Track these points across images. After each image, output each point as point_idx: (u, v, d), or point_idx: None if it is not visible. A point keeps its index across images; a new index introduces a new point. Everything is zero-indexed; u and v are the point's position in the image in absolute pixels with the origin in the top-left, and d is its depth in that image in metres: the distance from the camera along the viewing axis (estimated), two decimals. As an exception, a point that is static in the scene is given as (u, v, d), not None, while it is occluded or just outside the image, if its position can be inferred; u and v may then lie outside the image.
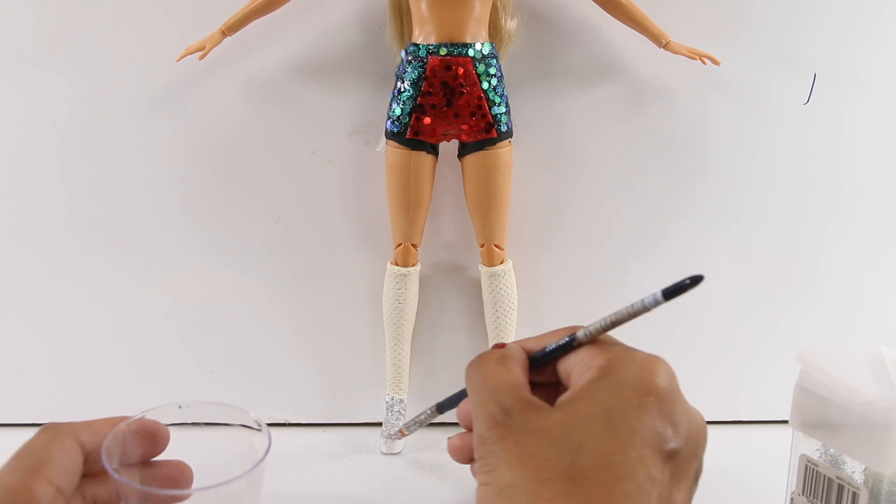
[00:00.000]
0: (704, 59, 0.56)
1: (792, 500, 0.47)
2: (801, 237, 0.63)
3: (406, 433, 0.45)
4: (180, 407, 0.36)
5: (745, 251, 0.63)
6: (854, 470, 0.43)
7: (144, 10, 0.57)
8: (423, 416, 0.43)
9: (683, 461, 0.29)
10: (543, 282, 0.63)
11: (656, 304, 0.32)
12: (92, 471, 0.33)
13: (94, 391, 0.64)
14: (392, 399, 0.63)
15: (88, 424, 0.34)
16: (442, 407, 0.41)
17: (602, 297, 0.64)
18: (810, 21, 0.59)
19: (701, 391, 0.66)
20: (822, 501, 0.45)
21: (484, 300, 0.61)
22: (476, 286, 0.62)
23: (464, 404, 0.36)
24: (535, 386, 0.33)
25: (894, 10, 0.59)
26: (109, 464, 0.32)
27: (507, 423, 0.30)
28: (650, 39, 0.56)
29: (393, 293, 0.60)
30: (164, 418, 0.35)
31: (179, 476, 0.35)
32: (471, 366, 0.34)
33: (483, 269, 0.60)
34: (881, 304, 0.65)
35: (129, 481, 0.32)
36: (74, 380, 0.64)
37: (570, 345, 0.34)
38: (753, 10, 0.58)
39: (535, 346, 0.35)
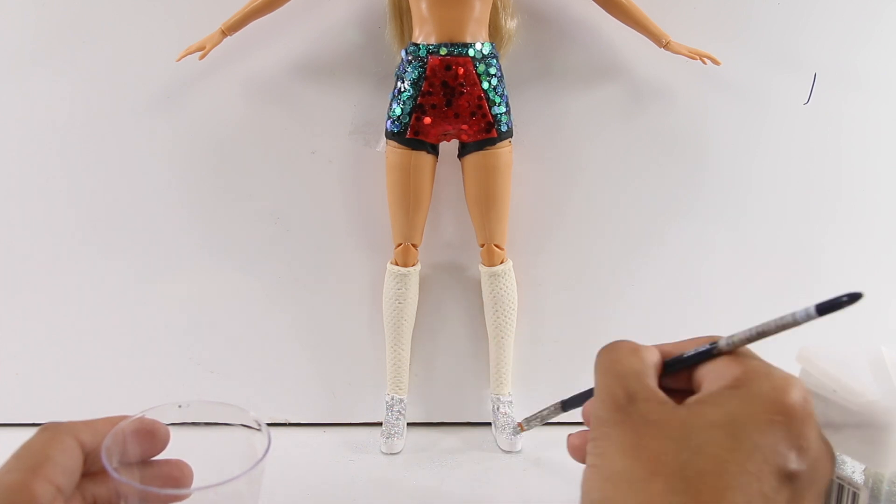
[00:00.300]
0: (704, 59, 0.56)
1: (792, 500, 0.47)
2: (801, 237, 0.63)
3: (526, 428, 0.44)
4: (180, 406, 0.36)
5: (745, 251, 0.63)
6: (854, 470, 0.43)
7: (144, 10, 0.57)
8: (545, 412, 0.41)
9: (802, 487, 0.28)
10: (543, 282, 0.63)
11: (808, 318, 0.32)
12: (92, 470, 0.33)
13: (94, 391, 0.64)
14: (392, 399, 0.63)
15: (88, 424, 0.34)
16: (567, 405, 0.39)
17: (602, 298, 0.64)
18: (810, 21, 0.59)
19: (701, 391, 0.66)
20: (821, 501, 0.45)
21: (484, 300, 0.61)
22: (476, 286, 0.62)
23: (589, 403, 0.35)
24: (666, 392, 0.32)
25: (894, 10, 0.59)
26: (109, 463, 0.32)
27: (628, 408, 0.30)
28: (650, 39, 0.56)
29: (393, 293, 0.60)
30: (163, 418, 0.35)
31: (179, 475, 0.35)
32: (603, 351, 0.34)
33: (483, 269, 0.60)
34: (881, 304, 0.65)
35: (128, 480, 0.32)
36: (74, 380, 0.64)
37: (710, 353, 0.33)
38: (753, 10, 0.58)
39: (673, 351, 0.35)
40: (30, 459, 0.31)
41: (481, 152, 0.57)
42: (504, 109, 0.56)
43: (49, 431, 0.32)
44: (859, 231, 0.63)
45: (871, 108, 0.61)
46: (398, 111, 0.55)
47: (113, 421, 0.34)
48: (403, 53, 0.56)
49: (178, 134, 0.60)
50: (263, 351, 0.64)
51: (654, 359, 0.33)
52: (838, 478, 0.43)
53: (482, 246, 0.60)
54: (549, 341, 0.65)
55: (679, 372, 0.34)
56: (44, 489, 0.30)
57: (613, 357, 0.33)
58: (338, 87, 0.59)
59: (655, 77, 0.59)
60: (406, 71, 0.55)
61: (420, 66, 0.54)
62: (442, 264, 0.63)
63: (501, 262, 0.60)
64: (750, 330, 0.33)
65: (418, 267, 0.60)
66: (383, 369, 0.63)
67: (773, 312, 0.67)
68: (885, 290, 0.65)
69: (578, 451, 0.35)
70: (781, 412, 0.28)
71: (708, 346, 0.33)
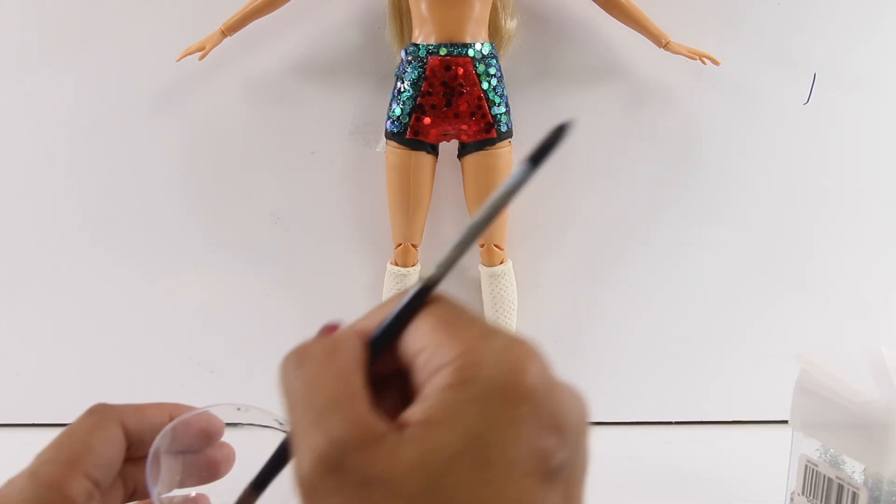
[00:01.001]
0: (704, 59, 0.56)
1: (792, 500, 0.47)
2: (801, 236, 0.63)
3: None
4: (238, 409, 0.36)
5: (746, 250, 0.63)
6: (854, 470, 0.43)
7: (144, 9, 0.57)
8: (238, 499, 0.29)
9: (573, 467, 0.23)
10: (543, 282, 0.63)
11: (527, 176, 0.25)
12: (135, 455, 0.32)
13: (94, 391, 0.64)
14: (392, 399, 0.62)
15: (138, 409, 0.32)
16: (260, 483, 0.28)
17: (602, 298, 0.64)
18: (810, 21, 0.59)
19: (701, 391, 0.66)
20: (822, 501, 0.45)
21: (484, 300, 0.61)
22: (476, 286, 0.62)
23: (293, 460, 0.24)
24: (380, 383, 0.24)
25: (894, 10, 0.59)
26: (152, 473, 0.31)
27: (341, 465, 0.21)
28: (650, 39, 0.56)
29: (393, 293, 0.60)
30: (220, 417, 0.35)
31: (222, 459, 0.35)
32: (287, 362, 0.25)
33: (483, 269, 0.60)
34: (881, 304, 0.65)
35: None
36: (75, 380, 0.64)
37: (410, 308, 0.25)
38: (753, 11, 0.58)
39: (373, 324, 0.26)
40: (70, 449, 0.30)
41: (481, 152, 0.57)
42: (504, 109, 0.56)
43: (96, 416, 0.31)
44: (860, 230, 0.63)
45: (870, 109, 0.61)
46: (398, 111, 0.55)
47: (163, 407, 0.33)
48: (403, 54, 0.56)
49: (179, 134, 0.60)
50: (263, 351, 0.64)
51: (358, 357, 0.24)
52: (838, 478, 0.43)
53: (482, 246, 0.60)
54: (549, 341, 0.65)
55: (390, 346, 0.25)
56: (79, 488, 0.29)
57: (305, 377, 0.24)
58: (338, 87, 0.59)
59: (655, 77, 0.59)
60: (406, 71, 0.55)
61: (420, 67, 0.54)
62: (442, 264, 0.63)
63: (501, 262, 0.60)
64: (454, 242, 0.25)
65: (418, 267, 0.60)
66: (383, 369, 0.63)
67: (772, 312, 0.68)
68: (885, 290, 0.65)
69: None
70: (525, 399, 0.22)
71: (405, 301, 0.25)
